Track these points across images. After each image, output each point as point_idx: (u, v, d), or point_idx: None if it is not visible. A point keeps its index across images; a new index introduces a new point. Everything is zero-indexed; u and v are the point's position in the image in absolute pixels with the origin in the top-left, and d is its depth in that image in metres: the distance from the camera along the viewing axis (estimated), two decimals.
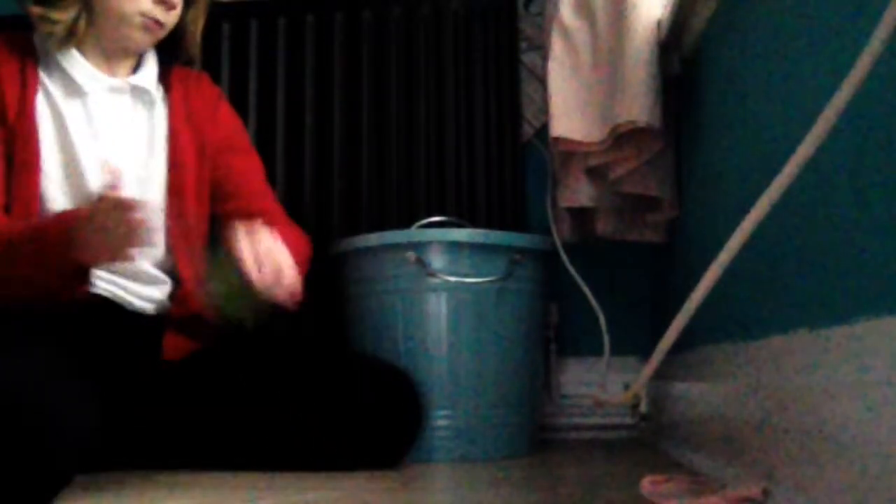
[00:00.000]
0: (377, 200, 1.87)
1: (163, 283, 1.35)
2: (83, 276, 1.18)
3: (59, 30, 1.27)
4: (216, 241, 1.11)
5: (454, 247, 1.47)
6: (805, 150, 0.66)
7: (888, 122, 0.63)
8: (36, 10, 1.28)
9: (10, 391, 0.89)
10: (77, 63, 1.31)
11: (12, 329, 1.09)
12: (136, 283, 1.32)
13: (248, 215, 1.26)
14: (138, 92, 1.36)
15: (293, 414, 1.14)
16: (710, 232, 1.26)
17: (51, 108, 1.29)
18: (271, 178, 1.88)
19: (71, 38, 1.29)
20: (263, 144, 1.90)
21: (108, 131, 1.32)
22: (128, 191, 1.22)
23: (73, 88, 1.30)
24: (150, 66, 1.39)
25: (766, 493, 0.82)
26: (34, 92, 1.28)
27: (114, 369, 1.28)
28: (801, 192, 0.79)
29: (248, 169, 1.47)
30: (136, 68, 1.38)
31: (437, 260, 1.47)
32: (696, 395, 1.24)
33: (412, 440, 1.32)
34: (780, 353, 0.83)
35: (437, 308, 1.47)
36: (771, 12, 0.95)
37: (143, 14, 1.29)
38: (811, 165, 0.68)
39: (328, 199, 1.87)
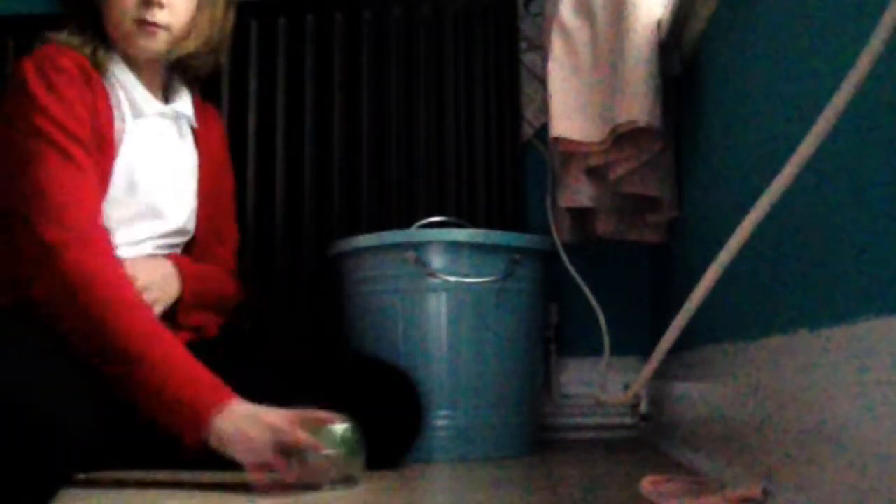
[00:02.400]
0: (377, 200, 1.87)
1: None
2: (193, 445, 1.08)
3: (98, 60, 1.29)
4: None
5: (454, 247, 1.47)
6: (805, 150, 0.66)
7: (888, 122, 0.63)
8: (55, 40, 1.29)
9: (9, 391, 0.89)
10: (134, 84, 1.34)
11: (12, 327, 1.09)
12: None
13: (206, 255, 1.42)
14: (180, 118, 1.41)
15: None
16: (710, 232, 1.26)
17: (123, 125, 1.31)
18: (271, 178, 1.89)
19: (99, 68, 1.30)
20: (263, 144, 1.90)
21: (162, 155, 1.36)
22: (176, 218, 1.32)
23: (135, 109, 1.33)
24: (185, 94, 1.43)
25: (766, 493, 0.82)
26: (111, 108, 1.30)
27: None
28: (801, 192, 0.79)
29: (228, 211, 1.52)
30: (167, 95, 1.41)
31: (437, 260, 1.47)
32: (696, 395, 1.24)
33: (412, 440, 1.32)
34: (780, 353, 0.83)
35: (437, 308, 1.47)
36: (771, 12, 0.95)
37: (134, 19, 1.30)
38: (811, 165, 0.68)
39: (328, 200, 1.87)
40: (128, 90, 1.33)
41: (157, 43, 1.33)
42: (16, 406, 0.88)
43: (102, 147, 1.25)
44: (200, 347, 1.38)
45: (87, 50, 1.29)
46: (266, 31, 1.94)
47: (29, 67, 1.23)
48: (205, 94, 1.90)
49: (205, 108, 1.51)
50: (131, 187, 1.30)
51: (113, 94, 1.31)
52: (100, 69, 1.29)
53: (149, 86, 1.37)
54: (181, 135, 1.42)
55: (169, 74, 1.42)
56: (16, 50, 1.95)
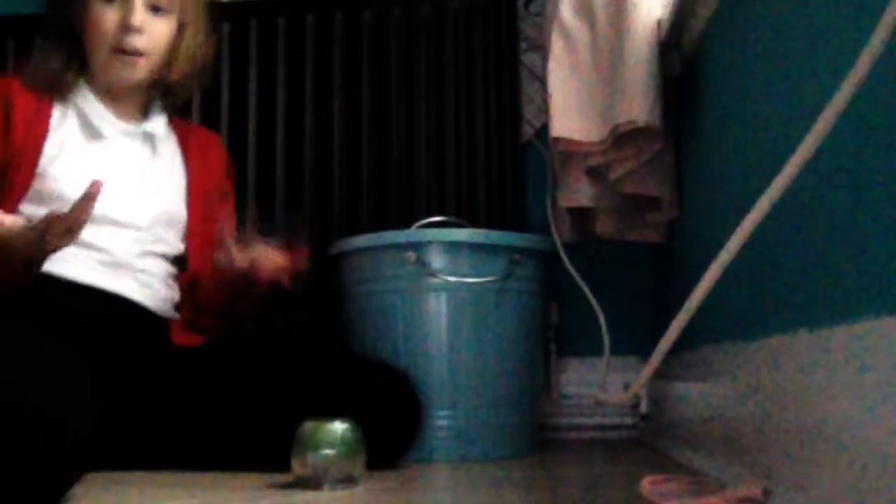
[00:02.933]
0: (377, 200, 1.87)
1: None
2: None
3: (46, 79, 1.33)
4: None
5: (454, 247, 1.47)
6: (805, 150, 0.66)
7: (888, 122, 0.63)
8: (25, 69, 1.34)
9: (9, 390, 0.89)
10: (95, 107, 1.36)
11: (12, 325, 1.09)
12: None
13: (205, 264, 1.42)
14: (149, 137, 1.41)
15: (292, 414, 1.14)
16: (710, 232, 1.26)
17: (66, 146, 1.32)
18: (271, 178, 1.89)
19: (61, 85, 1.34)
20: (263, 144, 1.90)
21: (122, 171, 1.36)
22: (121, 215, 1.32)
23: (91, 130, 1.35)
24: (159, 113, 1.44)
25: (766, 493, 0.82)
26: (45, 129, 1.32)
27: (117, 361, 1.28)
28: (801, 192, 0.79)
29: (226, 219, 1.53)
30: (143, 113, 1.43)
31: (437, 260, 1.47)
32: (696, 395, 1.24)
33: (411, 440, 1.32)
34: (780, 353, 0.83)
35: (437, 308, 1.47)
36: (771, 12, 0.95)
37: (112, 47, 1.32)
38: (811, 165, 0.68)
39: (328, 199, 1.87)
40: (85, 114, 1.34)
41: (137, 72, 1.35)
42: (16, 406, 0.88)
43: (18, 162, 1.28)
44: (202, 348, 1.38)
45: (49, 75, 1.33)
46: (266, 31, 1.94)
47: None
48: (204, 94, 1.91)
49: (205, 135, 1.55)
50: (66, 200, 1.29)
51: (64, 118, 1.33)
52: (55, 92, 1.33)
53: (121, 108, 1.39)
54: (154, 150, 1.42)
55: (149, 95, 1.43)
56: (16, 50, 1.95)
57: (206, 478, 1.17)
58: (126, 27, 1.30)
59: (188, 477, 1.19)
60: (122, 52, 1.32)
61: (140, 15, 1.31)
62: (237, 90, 1.92)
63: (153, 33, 1.33)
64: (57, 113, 1.34)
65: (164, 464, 1.26)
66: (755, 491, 0.82)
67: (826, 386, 0.70)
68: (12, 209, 1.26)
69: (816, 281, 0.78)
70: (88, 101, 1.36)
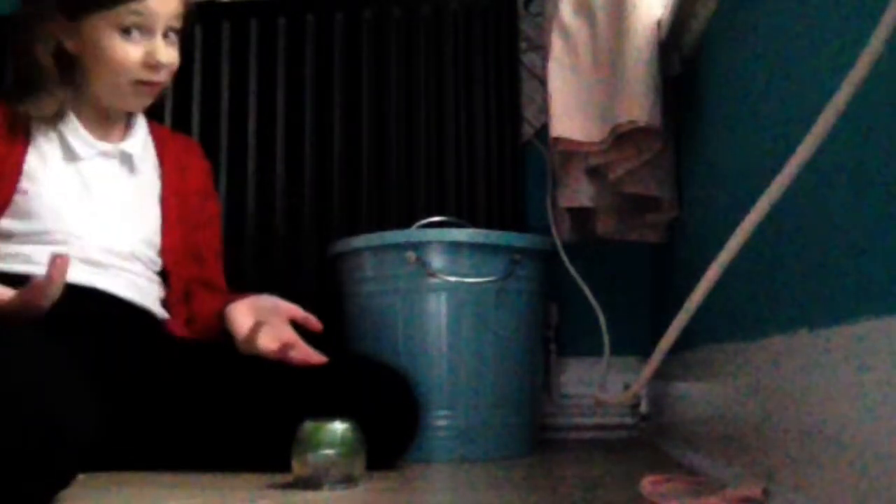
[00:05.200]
0: (377, 200, 1.87)
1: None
2: None
3: (47, 115, 1.32)
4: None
5: (454, 247, 1.47)
6: (805, 150, 0.66)
7: (888, 122, 0.63)
8: (21, 109, 1.32)
9: (8, 391, 0.89)
10: (73, 128, 1.35)
11: (10, 329, 1.09)
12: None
13: (206, 283, 1.46)
14: (126, 157, 1.40)
15: (291, 414, 1.14)
16: (710, 232, 1.26)
17: (43, 167, 1.32)
18: (271, 178, 1.89)
19: (60, 116, 1.33)
20: (263, 144, 1.90)
21: (96, 190, 1.35)
22: (96, 255, 1.32)
23: (67, 152, 1.34)
24: (141, 128, 1.44)
25: (766, 493, 0.82)
26: (23, 150, 1.31)
27: (114, 359, 1.28)
28: (801, 192, 0.79)
29: (209, 233, 1.53)
30: (126, 129, 1.42)
31: (437, 260, 1.47)
32: (696, 395, 1.24)
33: (411, 440, 1.32)
34: (780, 353, 0.83)
35: (437, 308, 1.47)
36: (771, 12, 0.95)
37: (135, 81, 1.32)
38: (811, 165, 0.68)
39: (328, 199, 1.87)
40: (63, 136, 1.34)
41: (150, 100, 1.37)
42: (15, 406, 0.88)
43: None
44: (202, 347, 1.38)
45: (48, 111, 1.31)
46: (266, 31, 1.94)
47: None
48: (204, 94, 1.91)
49: (184, 142, 1.54)
50: (55, 227, 1.30)
51: (42, 138, 1.33)
52: (53, 123, 1.33)
53: (104, 127, 1.39)
54: (132, 169, 1.41)
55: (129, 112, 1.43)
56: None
57: (206, 478, 1.17)
58: (153, 67, 1.30)
59: (188, 477, 1.19)
60: (143, 84, 1.32)
61: (165, 52, 1.31)
62: (237, 90, 1.92)
63: (173, 64, 1.34)
64: (35, 128, 1.33)
65: (164, 464, 1.26)
66: (755, 491, 0.82)
67: (826, 386, 0.70)
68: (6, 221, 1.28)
69: (816, 281, 0.78)
70: (68, 122, 1.35)
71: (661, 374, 1.53)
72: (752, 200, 0.73)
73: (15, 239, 1.29)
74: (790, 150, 0.69)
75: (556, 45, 1.55)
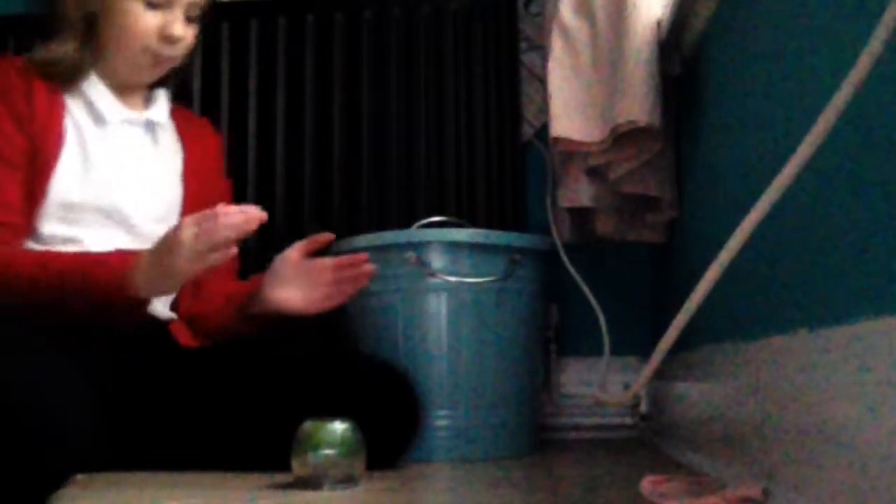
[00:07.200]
0: (377, 200, 1.87)
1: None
2: (138, 308, 1.24)
3: (62, 67, 1.32)
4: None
5: (454, 247, 1.47)
6: (805, 150, 0.66)
7: (888, 122, 0.63)
8: (38, 55, 1.33)
9: (7, 390, 0.89)
10: (102, 93, 1.36)
11: (9, 327, 1.09)
12: None
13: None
14: (151, 126, 1.41)
15: (292, 413, 1.14)
16: (710, 232, 1.26)
17: (76, 131, 1.33)
18: (271, 177, 1.89)
19: (77, 73, 1.34)
20: (263, 144, 1.90)
21: (124, 161, 1.36)
22: (141, 223, 1.35)
23: (95, 115, 1.35)
24: (163, 100, 1.44)
25: (766, 493, 0.82)
26: (61, 116, 1.32)
27: (115, 359, 1.28)
28: (801, 192, 0.79)
29: None
30: (147, 101, 1.43)
31: (437, 260, 1.47)
32: (696, 395, 1.24)
33: (411, 440, 1.32)
34: (780, 353, 0.83)
35: (437, 308, 1.47)
36: (771, 12, 0.95)
37: (149, 51, 1.33)
38: (811, 165, 0.68)
39: (328, 199, 1.87)
40: (91, 100, 1.34)
41: (158, 74, 1.38)
42: (13, 405, 0.88)
43: (40, 154, 1.28)
44: (202, 346, 1.39)
45: (66, 63, 1.32)
46: (266, 31, 1.94)
47: None
48: (204, 94, 1.91)
49: (198, 121, 1.55)
50: (86, 190, 1.30)
51: (73, 102, 1.34)
52: (70, 80, 1.33)
53: (125, 95, 1.39)
54: (155, 140, 1.42)
55: (153, 85, 1.44)
56: (16, 50, 1.95)
57: (206, 478, 1.17)
58: (167, 38, 1.32)
59: (188, 477, 1.19)
60: (156, 57, 1.33)
61: (182, 27, 1.33)
62: (237, 90, 1.92)
63: (185, 41, 1.35)
64: (68, 98, 1.34)
65: (164, 464, 1.26)
66: (755, 491, 0.82)
67: (826, 386, 0.70)
68: (43, 194, 1.27)
69: (816, 281, 0.78)
70: (96, 88, 1.35)
71: (661, 374, 1.53)
72: (752, 200, 0.73)
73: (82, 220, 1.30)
74: (790, 150, 0.69)
75: (556, 45, 1.55)
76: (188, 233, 1.15)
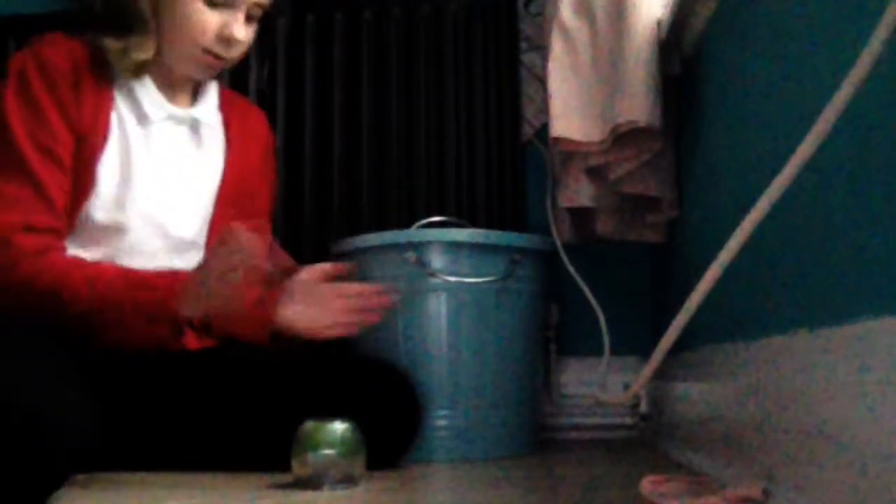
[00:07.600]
0: (377, 200, 1.87)
1: None
2: (181, 329, 1.27)
3: (132, 65, 1.28)
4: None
5: (454, 247, 1.47)
6: (805, 150, 0.66)
7: (888, 122, 0.63)
8: (114, 45, 1.28)
9: (6, 390, 0.89)
10: (148, 90, 1.32)
11: (9, 328, 1.09)
12: None
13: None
14: (196, 123, 1.38)
15: (292, 414, 1.14)
16: (710, 232, 1.26)
17: (120, 129, 1.30)
18: None
19: (140, 71, 1.30)
20: None
21: (164, 160, 1.33)
22: (171, 220, 1.33)
23: (140, 114, 1.32)
24: (212, 95, 1.41)
25: (766, 493, 0.82)
26: (109, 109, 1.29)
27: (116, 360, 1.28)
28: (801, 192, 0.79)
29: (259, 215, 1.48)
30: (195, 95, 1.40)
31: (437, 260, 1.47)
32: (696, 395, 1.24)
33: (411, 440, 1.32)
34: (780, 353, 0.83)
35: (437, 308, 1.47)
36: (771, 12, 0.95)
37: (206, 51, 1.29)
38: (811, 165, 0.68)
39: (328, 199, 1.87)
40: (137, 97, 1.31)
41: (214, 73, 1.35)
42: (13, 405, 0.88)
43: (83, 149, 1.25)
44: (203, 348, 1.38)
45: (140, 56, 1.28)
46: (266, 32, 1.93)
47: (14, 67, 1.24)
48: None
49: (251, 114, 1.50)
50: (122, 189, 1.28)
51: (119, 96, 1.31)
52: (136, 73, 1.30)
53: (174, 90, 1.36)
54: (199, 140, 1.39)
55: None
56: (16, 50, 1.95)
57: (206, 478, 1.17)
58: (227, 39, 1.28)
59: (188, 477, 1.19)
60: (214, 56, 1.30)
61: (242, 29, 1.30)
62: (236, 90, 1.92)
63: (243, 44, 1.32)
64: (116, 91, 1.31)
65: (164, 464, 1.26)
66: (755, 491, 0.82)
67: (826, 386, 0.70)
68: (90, 189, 1.25)
69: (816, 281, 0.78)
70: (143, 84, 1.32)
71: (661, 374, 1.53)
72: (752, 200, 0.73)
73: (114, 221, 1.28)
74: (790, 150, 0.69)
75: (556, 45, 1.55)
76: (213, 255, 1.19)
